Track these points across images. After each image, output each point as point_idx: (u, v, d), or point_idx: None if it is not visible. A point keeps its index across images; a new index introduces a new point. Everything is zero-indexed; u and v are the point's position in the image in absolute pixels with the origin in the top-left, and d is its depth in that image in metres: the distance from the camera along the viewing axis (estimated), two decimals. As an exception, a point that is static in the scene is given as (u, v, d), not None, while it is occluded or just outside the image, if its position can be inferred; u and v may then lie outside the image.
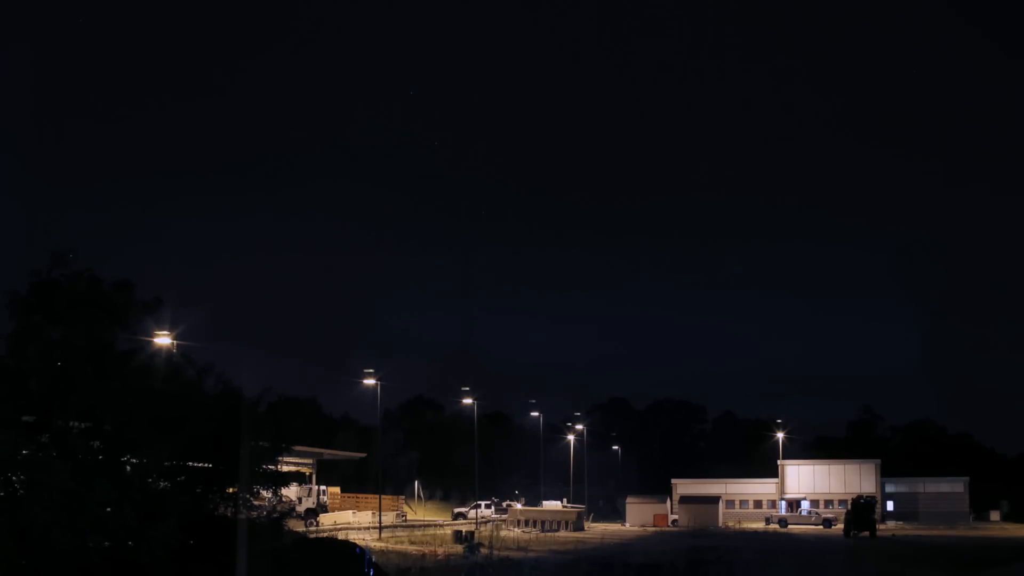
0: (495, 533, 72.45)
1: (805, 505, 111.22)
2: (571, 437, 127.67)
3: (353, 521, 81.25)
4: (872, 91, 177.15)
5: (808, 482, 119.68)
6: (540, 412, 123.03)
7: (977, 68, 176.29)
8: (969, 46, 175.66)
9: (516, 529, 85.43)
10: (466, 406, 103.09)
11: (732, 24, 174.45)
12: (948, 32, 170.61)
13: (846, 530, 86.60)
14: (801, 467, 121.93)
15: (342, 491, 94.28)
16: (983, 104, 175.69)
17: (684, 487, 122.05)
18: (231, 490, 27.84)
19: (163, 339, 37.93)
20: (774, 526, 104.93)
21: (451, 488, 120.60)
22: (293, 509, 50.11)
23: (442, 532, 72.84)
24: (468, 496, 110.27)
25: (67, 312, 26.17)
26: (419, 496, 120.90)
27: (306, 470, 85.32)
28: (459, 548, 56.64)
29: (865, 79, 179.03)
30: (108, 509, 24.43)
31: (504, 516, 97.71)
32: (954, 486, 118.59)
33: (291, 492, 67.59)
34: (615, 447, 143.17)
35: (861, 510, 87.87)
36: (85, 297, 26.45)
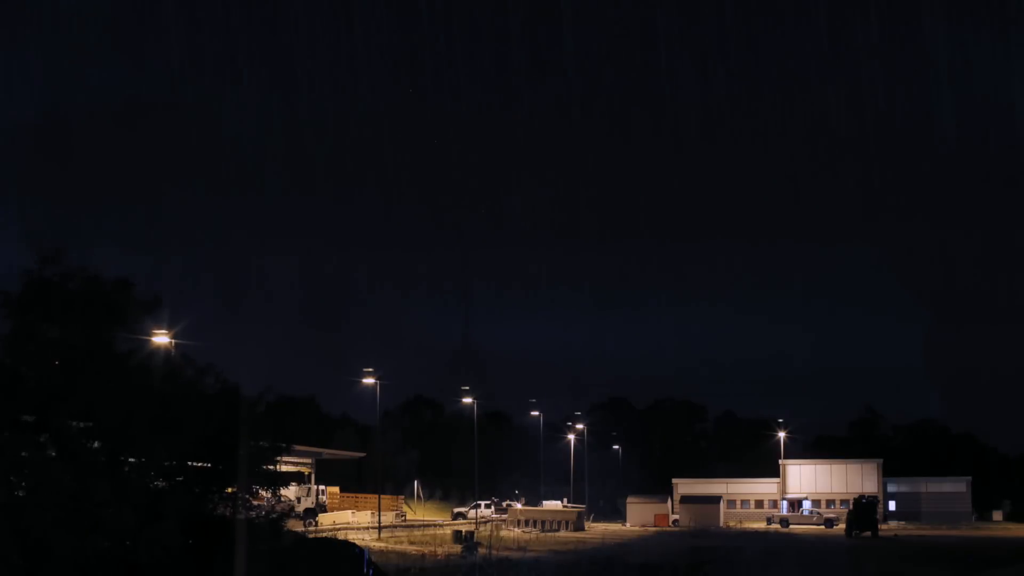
0: (495, 533, 72.22)
1: (807, 505, 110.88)
2: (571, 437, 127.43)
3: (352, 521, 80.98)
4: (876, 91, 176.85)
5: (810, 482, 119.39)
6: (540, 412, 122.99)
7: (979, 66, 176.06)
8: (968, 48, 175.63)
9: (516, 529, 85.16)
10: (466, 406, 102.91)
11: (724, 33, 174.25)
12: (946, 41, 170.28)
13: (848, 530, 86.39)
14: (803, 467, 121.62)
15: (341, 491, 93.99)
16: (980, 104, 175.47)
17: (685, 487, 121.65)
18: (230, 490, 27.65)
19: (161, 338, 37.71)
20: (775, 526, 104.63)
21: (451, 488, 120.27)
22: (292, 509, 50.03)
23: (441, 532, 72.61)
24: (468, 496, 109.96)
25: (64, 311, 25.93)
26: (419, 496, 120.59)
27: (305, 470, 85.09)
28: (458, 548, 56.41)
29: (868, 80, 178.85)
30: (108, 510, 24.22)
31: (504, 516, 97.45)
32: (956, 486, 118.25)
33: (290, 492, 67.44)
34: (615, 447, 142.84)
35: (863, 510, 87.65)
36: (83, 296, 26.21)
